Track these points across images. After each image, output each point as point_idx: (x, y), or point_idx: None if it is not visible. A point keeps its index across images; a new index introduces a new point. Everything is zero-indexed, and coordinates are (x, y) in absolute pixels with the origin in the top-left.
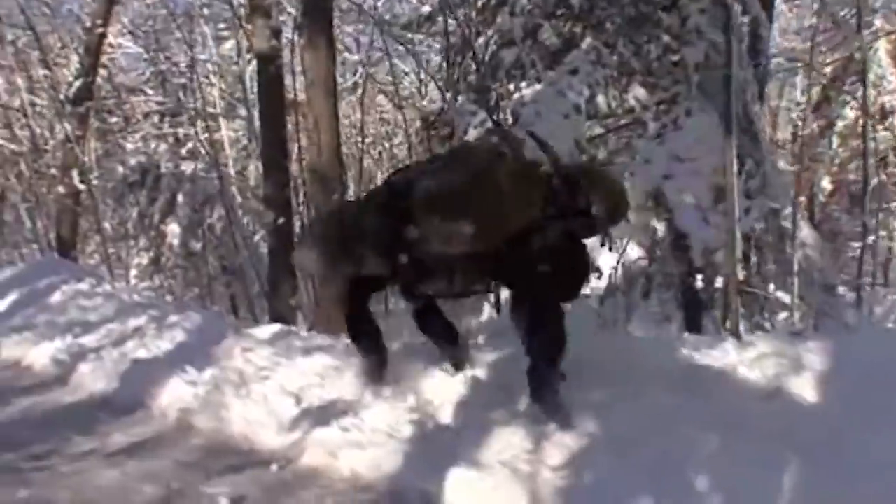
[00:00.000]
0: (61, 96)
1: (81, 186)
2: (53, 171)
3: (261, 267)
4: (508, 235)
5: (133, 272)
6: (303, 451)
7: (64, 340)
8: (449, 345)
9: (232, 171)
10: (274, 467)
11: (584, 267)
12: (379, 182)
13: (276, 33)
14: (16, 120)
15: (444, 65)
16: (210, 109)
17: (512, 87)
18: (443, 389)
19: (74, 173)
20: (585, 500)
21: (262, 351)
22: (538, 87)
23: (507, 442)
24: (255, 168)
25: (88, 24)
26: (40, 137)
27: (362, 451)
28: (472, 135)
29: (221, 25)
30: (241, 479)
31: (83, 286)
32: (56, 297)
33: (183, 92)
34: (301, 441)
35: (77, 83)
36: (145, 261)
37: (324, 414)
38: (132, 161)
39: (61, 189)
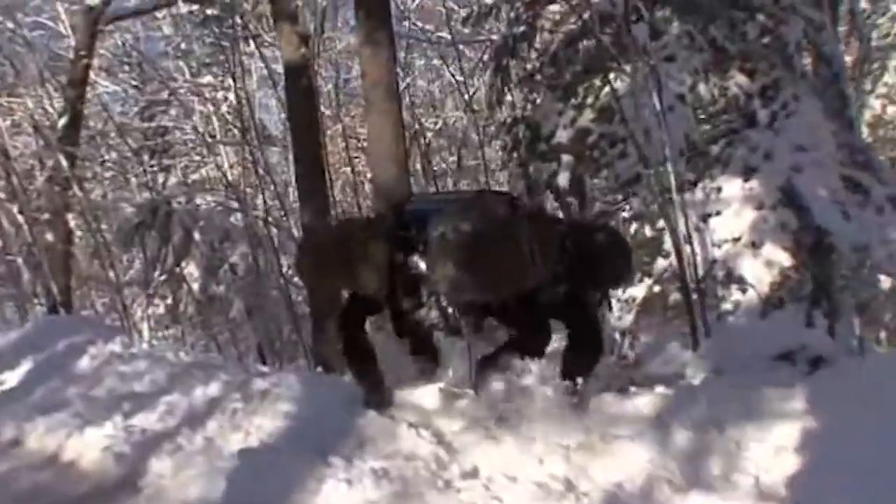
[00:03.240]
0: (44, 136)
1: (78, 232)
2: (46, 215)
3: (291, 308)
4: (521, 292)
5: (146, 324)
6: None
7: (115, 423)
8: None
9: (260, 203)
10: None
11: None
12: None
13: (305, 39)
14: None
15: (508, 62)
16: (209, 139)
17: (598, 81)
18: None
19: (69, 217)
20: None
21: (447, 423)
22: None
23: None
24: (266, 195)
25: (71, 55)
26: (25, 179)
27: None
28: (563, 136)
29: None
30: None
31: (115, 347)
32: (84, 364)
33: (178, 123)
34: None
35: (64, 119)
36: (161, 309)
37: None
38: (137, 198)
39: (49, 237)
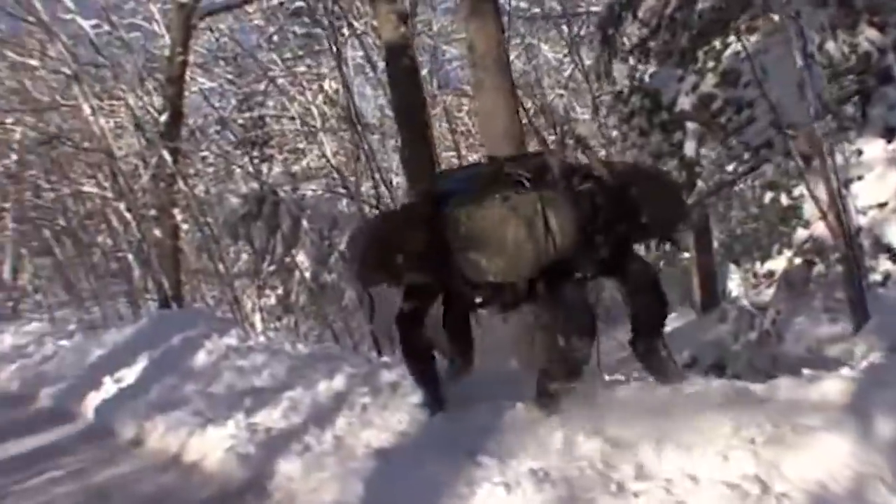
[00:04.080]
0: (147, 134)
1: (185, 226)
2: (153, 212)
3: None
4: (542, 267)
5: (258, 315)
6: None
7: (237, 421)
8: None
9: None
10: None
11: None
12: None
13: (404, 18)
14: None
15: (614, 32)
16: (310, 128)
17: (718, 43)
18: None
19: (176, 212)
20: None
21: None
22: (753, 38)
23: None
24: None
25: (167, 53)
26: (130, 178)
27: None
28: (685, 103)
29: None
30: None
31: (231, 341)
32: (201, 359)
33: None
34: None
35: (165, 116)
36: (272, 300)
37: None
38: (244, 189)
39: (157, 233)
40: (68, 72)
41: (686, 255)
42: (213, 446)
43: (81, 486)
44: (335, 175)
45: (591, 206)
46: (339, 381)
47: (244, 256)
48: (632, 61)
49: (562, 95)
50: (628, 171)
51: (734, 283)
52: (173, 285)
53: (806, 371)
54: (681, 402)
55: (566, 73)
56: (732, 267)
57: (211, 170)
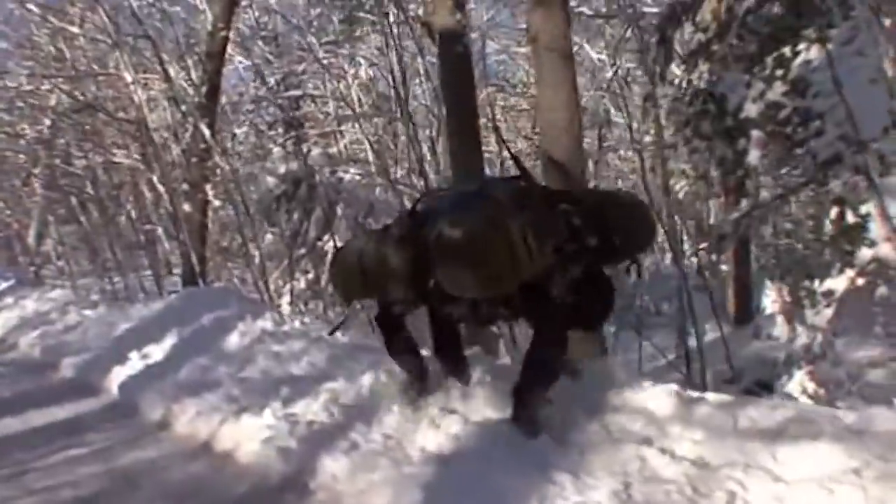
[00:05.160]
0: (183, 107)
1: (217, 203)
2: (185, 186)
3: None
4: (520, 283)
5: (285, 299)
6: None
7: (273, 410)
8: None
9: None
10: None
11: (608, 296)
12: None
13: (461, 5)
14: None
15: (672, 33)
16: (347, 111)
17: (787, 50)
18: None
19: (208, 188)
20: None
21: (686, 435)
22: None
23: None
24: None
25: (209, 28)
26: (164, 150)
27: None
28: (752, 110)
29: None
30: None
31: (266, 324)
32: (234, 342)
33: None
34: None
35: (203, 90)
36: (302, 284)
37: None
38: (281, 169)
39: (187, 207)
40: (108, 41)
41: (724, 267)
42: (248, 436)
43: (106, 468)
44: (371, 160)
45: (568, 226)
46: (384, 376)
47: (268, 237)
48: (679, 66)
49: (603, 97)
50: (603, 196)
51: (768, 300)
52: (200, 261)
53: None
54: (766, 424)
55: (607, 75)
56: (768, 283)
57: (242, 148)
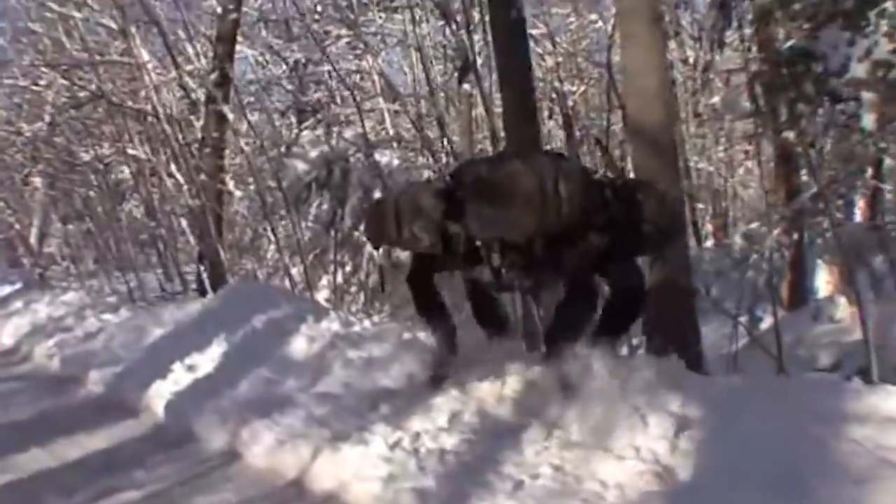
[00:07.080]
0: (192, 95)
1: (238, 193)
2: (203, 176)
3: None
4: (545, 231)
5: (322, 294)
6: None
7: (385, 439)
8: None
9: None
10: None
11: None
12: None
13: None
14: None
15: None
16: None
17: (890, 5)
18: None
19: (227, 178)
20: None
21: None
22: None
23: None
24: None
25: (219, 10)
26: (175, 140)
27: None
28: (858, 70)
29: None
30: None
31: (334, 325)
32: (299, 348)
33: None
34: None
35: (213, 76)
36: (339, 278)
37: None
38: (312, 153)
39: (202, 198)
40: (114, 26)
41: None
42: (357, 472)
43: None
44: (410, 143)
45: (601, 195)
46: (513, 383)
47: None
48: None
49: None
50: (636, 182)
51: (821, 281)
52: (215, 257)
53: None
54: None
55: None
56: (820, 263)
57: (260, 133)
